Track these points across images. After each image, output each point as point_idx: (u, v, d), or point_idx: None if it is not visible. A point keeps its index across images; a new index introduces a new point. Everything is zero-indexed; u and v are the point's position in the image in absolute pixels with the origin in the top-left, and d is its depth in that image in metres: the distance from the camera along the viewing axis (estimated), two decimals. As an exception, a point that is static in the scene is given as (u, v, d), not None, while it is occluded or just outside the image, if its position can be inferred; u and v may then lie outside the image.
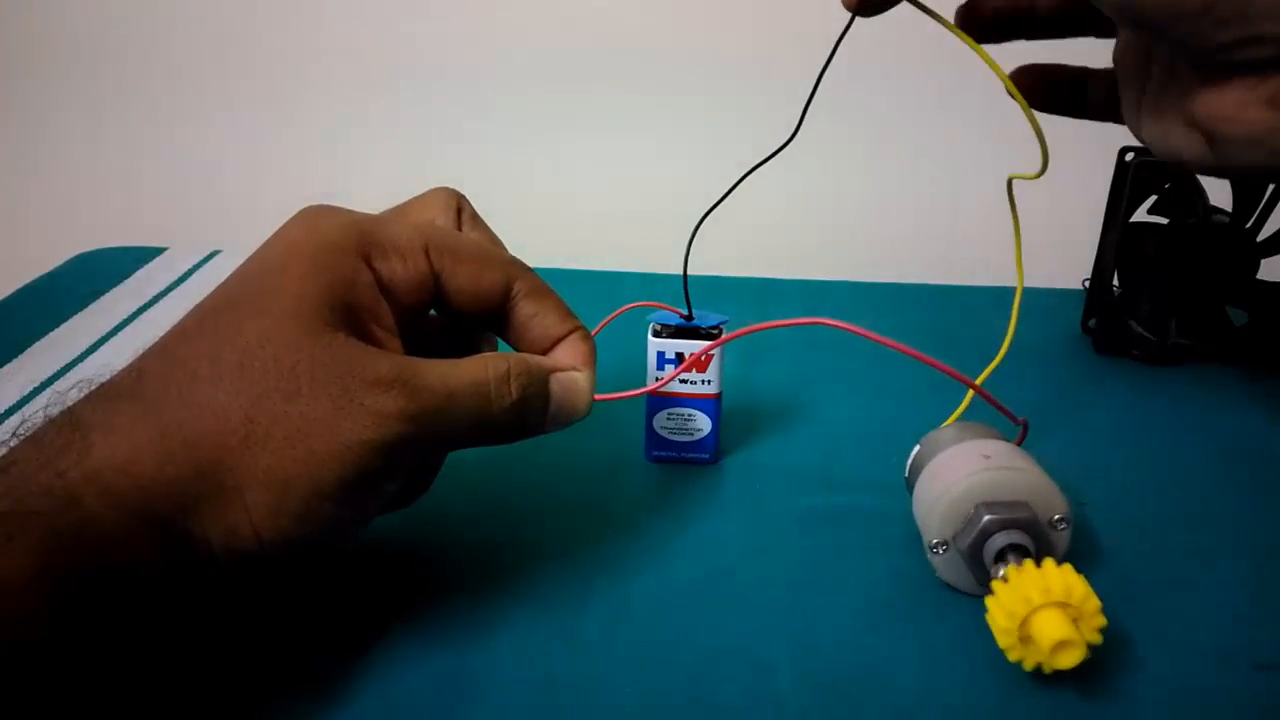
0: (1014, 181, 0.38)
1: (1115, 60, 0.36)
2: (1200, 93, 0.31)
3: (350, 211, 0.32)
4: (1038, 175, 0.36)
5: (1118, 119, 0.37)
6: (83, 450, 0.26)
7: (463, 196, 0.36)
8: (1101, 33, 0.37)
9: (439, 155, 0.76)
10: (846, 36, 0.33)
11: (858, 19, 0.33)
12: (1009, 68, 0.36)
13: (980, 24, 0.36)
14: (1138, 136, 0.35)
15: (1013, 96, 0.35)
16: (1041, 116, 0.37)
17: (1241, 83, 0.29)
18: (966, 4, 0.36)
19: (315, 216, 0.31)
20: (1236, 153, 0.30)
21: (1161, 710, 0.30)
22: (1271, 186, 0.46)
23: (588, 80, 0.74)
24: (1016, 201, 0.39)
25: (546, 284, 0.34)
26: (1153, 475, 0.42)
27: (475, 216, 0.36)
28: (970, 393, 0.39)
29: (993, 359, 0.40)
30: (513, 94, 0.75)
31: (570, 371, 0.33)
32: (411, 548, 0.37)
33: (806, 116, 0.35)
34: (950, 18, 0.36)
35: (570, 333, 0.34)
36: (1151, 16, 0.29)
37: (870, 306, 0.57)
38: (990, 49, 0.34)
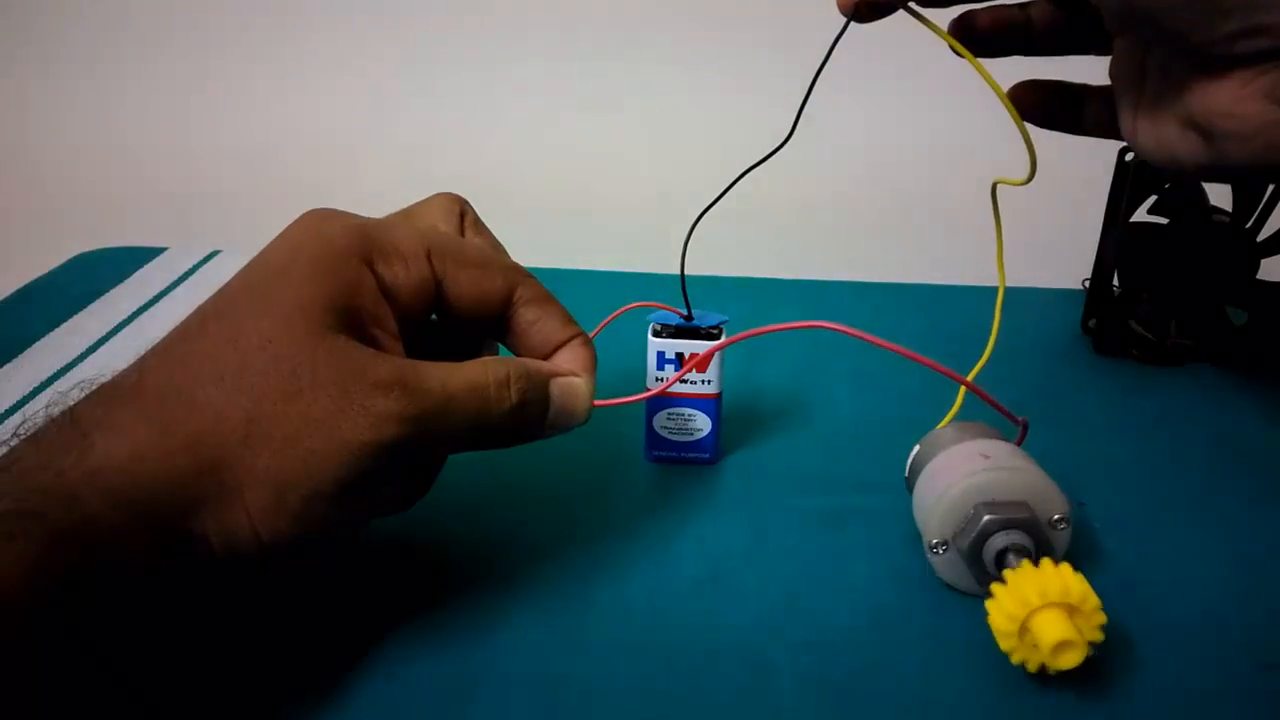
0: (1004, 186, 0.38)
1: (1111, 73, 0.36)
2: (1197, 89, 0.31)
3: (353, 215, 0.32)
4: (1025, 182, 0.36)
5: (1115, 135, 0.37)
6: (83, 450, 0.26)
7: (466, 202, 0.36)
8: (1098, 49, 0.37)
9: (439, 157, 0.76)
10: (846, 34, 0.33)
11: (853, 23, 0.33)
12: (1005, 81, 0.36)
13: (975, 38, 0.36)
14: (1134, 146, 0.35)
15: (1007, 110, 0.35)
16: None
17: (1239, 76, 0.29)
18: (960, 17, 0.36)
19: (318, 220, 0.32)
20: (1233, 148, 0.30)
21: (1161, 710, 0.30)
22: (1271, 187, 0.46)
23: (586, 80, 0.74)
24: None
25: (548, 290, 0.35)
26: (1152, 475, 0.42)
27: (478, 222, 0.36)
28: (962, 392, 0.39)
29: (995, 358, 0.40)
30: (512, 95, 0.75)
31: (570, 377, 0.33)
32: (411, 548, 0.37)
33: (806, 116, 0.35)
34: (945, 29, 0.36)
35: (571, 339, 0.34)
36: (1152, 10, 0.29)
37: (869, 306, 0.57)
38: (986, 63, 0.34)
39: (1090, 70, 0.38)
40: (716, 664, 0.32)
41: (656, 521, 0.39)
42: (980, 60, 0.34)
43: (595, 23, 0.73)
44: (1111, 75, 0.36)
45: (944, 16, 0.36)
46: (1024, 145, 0.35)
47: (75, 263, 0.63)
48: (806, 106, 0.34)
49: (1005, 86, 0.36)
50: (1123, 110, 0.35)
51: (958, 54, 0.35)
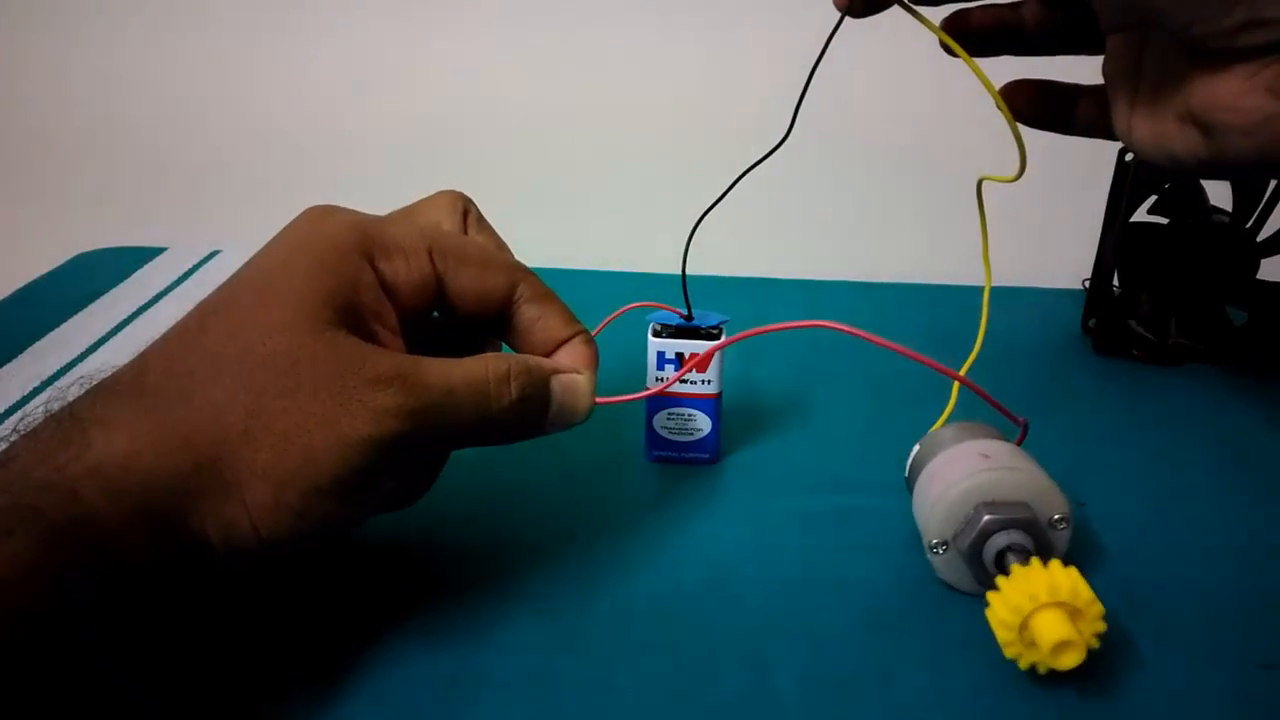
0: (994, 184, 0.38)
1: (1104, 70, 0.36)
2: (1197, 84, 0.31)
3: (355, 212, 0.32)
4: (1014, 179, 0.36)
5: (1107, 135, 0.37)
6: (82, 445, 0.26)
7: (469, 199, 0.36)
8: (1091, 49, 0.37)
9: (439, 156, 0.76)
10: (841, 34, 0.33)
11: (847, 19, 0.33)
12: (997, 80, 0.36)
13: (967, 37, 0.36)
14: (1130, 143, 0.35)
15: (999, 108, 0.35)
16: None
17: (1241, 70, 0.29)
18: (952, 16, 0.36)
19: (320, 216, 0.32)
20: (1234, 143, 0.30)
21: (1162, 710, 0.30)
22: (1272, 186, 0.46)
23: (586, 80, 0.74)
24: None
25: (549, 288, 0.35)
26: (1153, 475, 0.42)
27: (481, 220, 0.36)
28: (956, 389, 0.39)
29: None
30: (512, 93, 0.75)
31: (571, 374, 0.33)
32: (411, 547, 0.37)
33: (803, 115, 0.35)
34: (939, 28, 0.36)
35: (573, 336, 0.34)
36: (1153, 5, 0.29)
37: (870, 306, 0.57)
38: (980, 62, 0.34)
39: (1080, 72, 0.38)
40: (716, 664, 0.32)
41: (656, 521, 0.39)
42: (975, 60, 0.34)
43: (596, 21, 0.73)
44: (1105, 73, 0.36)
45: (937, 15, 0.36)
46: (1026, 142, 0.35)
47: (75, 263, 0.63)
48: (804, 106, 0.34)
49: (997, 85, 0.36)
50: (1117, 107, 0.35)
51: (951, 52, 0.35)
